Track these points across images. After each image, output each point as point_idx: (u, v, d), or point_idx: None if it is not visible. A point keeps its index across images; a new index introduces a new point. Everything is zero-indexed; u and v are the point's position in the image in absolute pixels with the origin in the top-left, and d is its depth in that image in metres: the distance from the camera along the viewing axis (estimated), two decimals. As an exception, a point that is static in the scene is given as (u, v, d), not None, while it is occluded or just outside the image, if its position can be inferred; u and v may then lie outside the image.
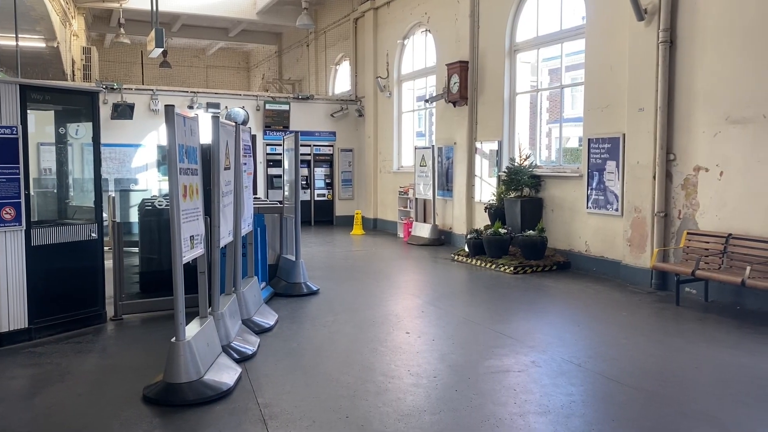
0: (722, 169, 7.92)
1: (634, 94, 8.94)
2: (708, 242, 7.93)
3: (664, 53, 8.47)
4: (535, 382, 5.15)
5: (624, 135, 9.19)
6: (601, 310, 7.70)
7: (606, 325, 7.07)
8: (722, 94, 7.89)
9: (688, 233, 8.22)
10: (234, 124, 6.53)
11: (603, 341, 6.44)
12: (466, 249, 11.39)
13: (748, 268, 7.02)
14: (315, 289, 8.62)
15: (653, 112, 8.62)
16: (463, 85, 12.69)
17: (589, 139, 9.90)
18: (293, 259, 8.71)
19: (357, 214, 16.25)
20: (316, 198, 17.98)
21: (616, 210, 9.39)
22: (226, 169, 6.04)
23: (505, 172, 11.30)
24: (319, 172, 18.05)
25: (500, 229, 10.76)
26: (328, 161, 18.13)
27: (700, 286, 8.00)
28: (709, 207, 8.10)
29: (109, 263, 7.27)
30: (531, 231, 10.37)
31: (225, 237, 6.05)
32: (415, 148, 14.70)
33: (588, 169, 9.90)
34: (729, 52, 7.78)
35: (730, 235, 7.70)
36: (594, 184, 9.81)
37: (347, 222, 16.90)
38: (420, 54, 15.45)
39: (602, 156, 9.63)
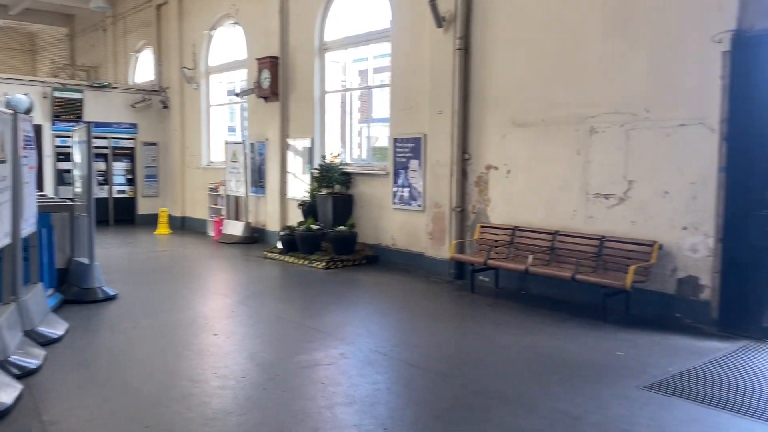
0: (509, 167, 8.74)
1: (435, 97, 9.52)
2: (498, 234, 8.71)
3: (460, 60, 9.12)
4: (343, 374, 5.26)
5: (425, 135, 9.75)
6: (406, 301, 8.10)
7: (410, 314, 7.46)
8: (509, 100, 8.70)
9: (481, 226, 8.96)
10: (11, 112, 5.80)
11: (407, 330, 6.78)
12: (279, 246, 11.31)
13: (531, 256, 7.83)
14: (112, 294, 7.98)
15: (450, 115, 9.24)
16: (274, 81, 12.57)
17: (394, 139, 10.35)
18: (87, 262, 7.98)
19: (162, 212, 15.36)
20: (116, 195, 16.67)
21: (419, 206, 9.94)
22: (0, 162, 5.34)
23: (317, 169, 11.40)
24: (119, 167, 16.74)
25: (313, 226, 10.85)
26: (130, 155, 16.90)
27: (492, 275, 8.75)
28: (499, 202, 8.90)
29: None
30: (342, 227, 10.59)
31: (0, 239, 5.35)
32: (226, 143, 14.27)
33: (394, 167, 10.35)
34: (515, 63, 8.60)
35: (516, 227, 8.53)
36: (399, 182, 10.28)
37: (152, 221, 15.89)
38: (229, 46, 15.00)
39: (407, 155, 10.12)
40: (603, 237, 7.53)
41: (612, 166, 7.56)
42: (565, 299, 7.82)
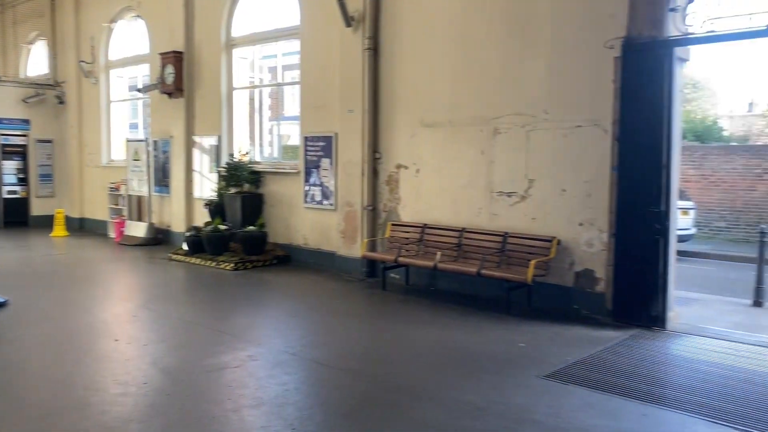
0: (419, 167, 8.89)
1: (345, 95, 9.53)
2: (408, 232, 8.84)
3: (369, 59, 9.17)
4: (251, 376, 5.17)
5: (336, 134, 9.74)
6: (317, 300, 8.07)
7: (321, 313, 7.43)
8: (417, 100, 8.84)
9: (392, 225, 9.06)
10: None
11: (318, 329, 6.76)
12: (185, 247, 10.96)
13: (439, 253, 8.01)
14: (2, 300, 7.46)
15: (361, 114, 9.29)
16: (178, 77, 12.15)
17: (305, 137, 10.27)
18: (-28, 266, 7.41)
19: (59, 213, 14.49)
20: (6, 196, 15.57)
21: (331, 205, 9.92)
22: None
23: (225, 167, 11.13)
24: (10, 165, 15.64)
25: (220, 226, 10.59)
26: (21, 153, 15.83)
27: (402, 272, 8.86)
28: (409, 201, 9.03)
29: None
30: (251, 227, 10.40)
31: None
32: (127, 141, 13.66)
33: (305, 165, 10.28)
34: (423, 64, 8.75)
35: (425, 225, 8.69)
36: (311, 180, 10.22)
37: (47, 223, 14.94)
38: (131, 40, 14.35)
39: (318, 153, 10.08)
40: (506, 233, 7.81)
41: (514, 165, 7.85)
42: (471, 294, 8.04)
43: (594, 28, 7.05)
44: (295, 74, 11.15)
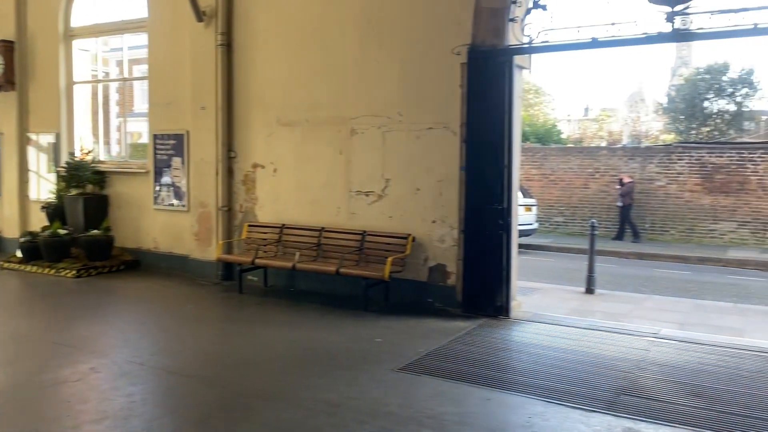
0: (276, 166, 8.79)
1: (197, 92, 9.18)
2: (266, 233, 8.71)
3: (222, 55, 8.92)
4: (93, 389, 4.84)
5: (188, 132, 9.36)
6: (168, 306, 7.71)
7: (172, 319, 7.12)
8: (274, 99, 8.74)
9: (249, 225, 8.88)
10: None
11: (168, 336, 6.46)
12: (19, 254, 10.00)
13: (298, 253, 7.98)
14: None
15: (215, 111, 9.00)
16: (9, 68, 11.05)
17: (154, 135, 9.78)
18: None
19: None
20: None
21: (184, 206, 9.52)
22: None
23: (64, 167, 10.30)
24: None
25: (60, 230, 9.78)
26: None
27: (260, 274, 8.71)
28: (267, 200, 8.90)
29: None
30: (95, 230, 9.71)
31: None
32: (-52, 138, 12.20)
33: (155, 165, 9.78)
34: (279, 62, 8.66)
35: (283, 225, 8.61)
36: (161, 181, 9.74)
37: None
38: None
39: (168, 152, 9.63)
40: (364, 232, 7.95)
41: (371, 165, 8.00)
42: (331, 293, 8.09)
43: (443, 35, 7.36)
44: (144, 69, 10.57)
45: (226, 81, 8.98)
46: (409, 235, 7.62)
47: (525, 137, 22.42)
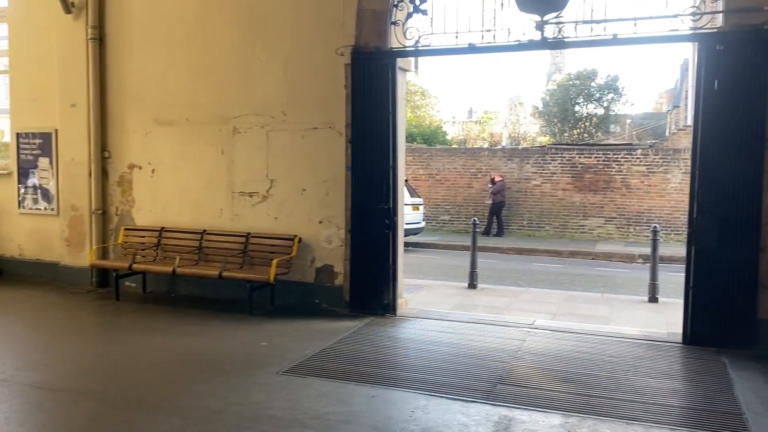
0: (154, 167, 8.42)
1: (66, 88, 8.61)
2: (144, 236, 8.32)
3: (94, 50, 8.41)
4: (-55, 412, 4.40)
5: (57, 130, 8.76)
6: (35, 316, 7.18)
7: (41, 331, 6.64)
8: (151, 96, 8.36)
9: (125, 229, 8.44)
10: None
11: (36, 349, 6.01)
12: None
13: (178, 257, 7.69)
14: None
15: (86, 109, 8.48)
16: None
17: (17, 134, 9.06)
18: None
19: None
20: None
21: (53, 209, 8.89)
22: None
23: None
24: None
25: None
26: None
27: (139, 279, 8.32)
28: (144, 203, 8.51)
29: None
30: (-50, 237, 8.86)
31: None
32: None
33: (18, 166, 9.07)
34: (155, 58, 8.29)
35: (163, 228, 8.26)
36: (27, 182, 9.05)
37: None
38: None
39: (34, 152, 8.95)
40: (249, 234, 7.80)
41: (255, 165, 7.87)
42: (214, 297, 7.88)
43: (327, 35, 7.37)
44: (4, 62, 9.75)
45: (99, 77, 8.49)
46: (296, 236, 7.56)
47: (412, 138, 22.95)
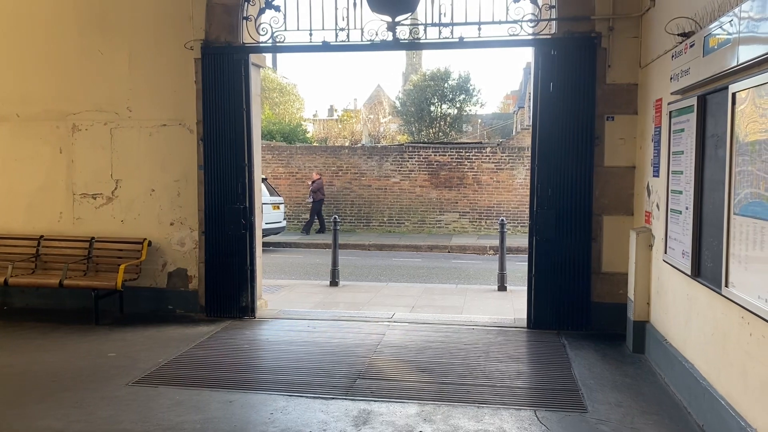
0: (-21, 167, 7.58)
1: None
2: (-31, 245, 7.47)
3: None
4: None
5: None
6: None
7: None
8: (-27, 89, 7.52)
9: (-55, 237, 7.53)
10: None
11: None
12: None
13: (10, 266, 6.98)
14: None
15: None
16: None
17: None
18: None
19: None
20: None
21: None
22: None
23: None
24: None
25: None
26: None
27: (-36, 293, 7.47)
28: (-32, 207, 7.63)
29: None
30: None
31: None
32: None
33: None
34: (-23, 46, 7.48)
35: (-8, 235, 7.48)
36: None
37: None
38: None
39: None
40: (93, 238, 7.28)
41: (98, 165, 7.35)
42: (56, 308, 7.27)
43: (175, 29, 7.05)
44: None
45: None
46: (145, 239, 7.16)
47: (271, 136, 22.61)
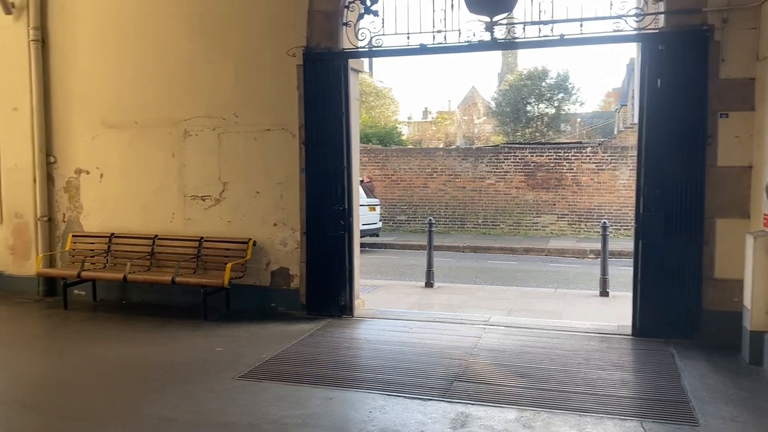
0: (102, 171, 8.20)
1: (8, 92, 8.33)
2: (93, 243, 8.10)
3: (36, 52, 8.14)
4: None
5: (-2, 135, 8.47)
6: (-21, 329, 6.91)
7: (-16, 344, 6.39)
8: (97, 99, 8.14)
9: (73, 236, 8.20)
10: None
11: (-21, 363, 5.78)
12: None
13: (129, 264, 7.51)
14: None
15: (29, 113, 8.22)
16: None
17: (-44, 139, 8.69)
18: None
19: None
20: None
21: (-4, 217, 8.58)
22: None
23: None
24: None
25: None
26: None
27: (89, 287, 8.10)
28: (93, 208, 8.28)
29: None
30: None
31: None
32: None
33: (-43, 172, 8.70)
34: (101, 60, 8.08)
35: (112, 234, 8.06)
36: (-33, 190, 8.69)
37: None
38: None
39: (-26, 158, 8.61)
40: (202, 238, 7.68)
41: (207, 168, 7.75)
42: (167, 304, 7.74)
43: (278, 36, 7.31)
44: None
45: (42, 80, 8.23)
46: (250, 239, 7.48)
47: (367, 139, 22.96)
